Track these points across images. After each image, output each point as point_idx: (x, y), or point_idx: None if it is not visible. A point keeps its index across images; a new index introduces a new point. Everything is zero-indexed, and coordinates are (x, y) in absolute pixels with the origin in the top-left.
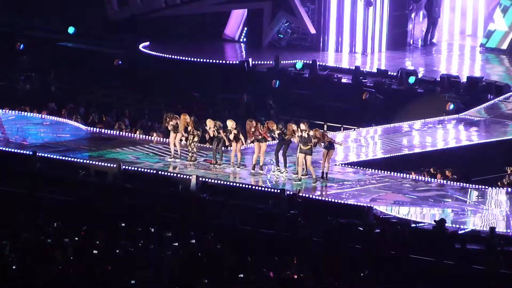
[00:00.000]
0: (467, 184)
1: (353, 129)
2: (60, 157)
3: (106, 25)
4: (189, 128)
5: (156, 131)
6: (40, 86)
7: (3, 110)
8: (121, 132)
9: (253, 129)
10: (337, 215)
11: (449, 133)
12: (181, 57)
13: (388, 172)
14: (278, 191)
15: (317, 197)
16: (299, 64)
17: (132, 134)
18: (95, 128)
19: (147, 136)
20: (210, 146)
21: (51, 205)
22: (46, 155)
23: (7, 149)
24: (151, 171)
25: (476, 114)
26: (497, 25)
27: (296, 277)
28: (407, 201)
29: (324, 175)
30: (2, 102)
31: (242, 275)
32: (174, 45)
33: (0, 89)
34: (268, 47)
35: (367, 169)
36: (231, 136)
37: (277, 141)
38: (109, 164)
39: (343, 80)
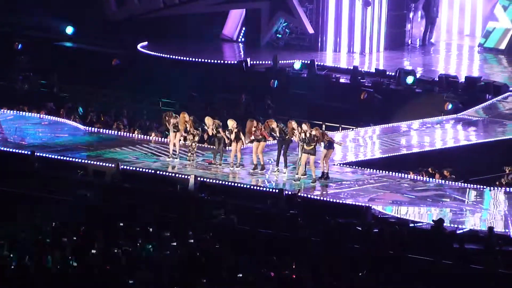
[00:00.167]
0: (466, 184)
1: (351, 129)
2: (58, 157)
3: (105, 25)
4: (189, 127)
5: (154, 131)
6: (42, 87)
7: (2, 110)
8: (119, 132)
9: (254, 129)
10: (335, 215)
11: (447, 133)
12: (179, 57)
13: (387, 172)
14: (277, 191)
15: (316, 197)
16: (297, 64)
17: (131, 134)
18: (93, 128)
19: (145, 136)
20: (209, 146)
21: (50, 204)
22: (44, 155)
23: (5, 149)
24: (150, 170)
25: (474, 114)
26: (499, 22)
27: (295, 277)
28: (406, 201)
29: (325, 175)
30: (0, 101)
31: (241, 275)
32: (173, 45)
33: None
34: (266, 47)
35: (366, 169)
36: (232, 136)
37: (277, 141)
38: (107, 164)
39: (341, 80)
